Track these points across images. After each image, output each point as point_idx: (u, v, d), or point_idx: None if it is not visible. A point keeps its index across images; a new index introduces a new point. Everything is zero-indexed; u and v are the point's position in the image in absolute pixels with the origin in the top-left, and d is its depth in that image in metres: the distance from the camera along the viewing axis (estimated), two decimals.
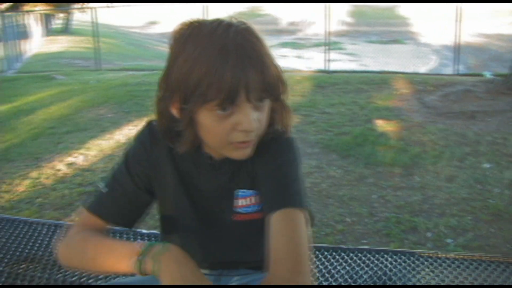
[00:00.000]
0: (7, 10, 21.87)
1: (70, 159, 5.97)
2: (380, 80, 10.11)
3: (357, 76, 10.98)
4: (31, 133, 7.46)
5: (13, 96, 10.74)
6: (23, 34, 19.28)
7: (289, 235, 1.15)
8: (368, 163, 5.43)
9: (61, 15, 33.75)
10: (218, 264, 1.42)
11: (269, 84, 1.15)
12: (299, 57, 22.09)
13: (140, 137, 1.36)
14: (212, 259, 1.43)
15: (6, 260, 2.04)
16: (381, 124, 6.98)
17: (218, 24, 1.16)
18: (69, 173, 5.49)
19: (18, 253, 2.10)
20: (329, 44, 13.14)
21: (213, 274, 1.43)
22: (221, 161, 1.32)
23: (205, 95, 1.11)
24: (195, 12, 15.49)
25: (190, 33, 1.16)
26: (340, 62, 16.36)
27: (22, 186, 5.15)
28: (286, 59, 20.97)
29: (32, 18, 21.91)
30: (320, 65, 12.96)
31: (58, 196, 4.76)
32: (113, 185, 1.35)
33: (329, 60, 12.68)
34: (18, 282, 1.83)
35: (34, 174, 5.52)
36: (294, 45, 27.99)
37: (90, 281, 1.66)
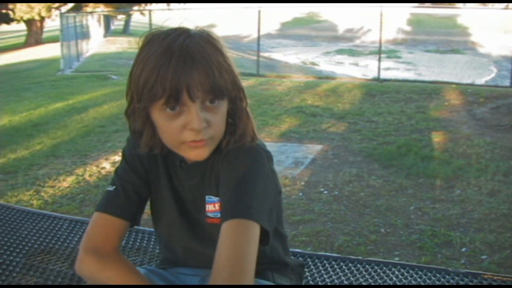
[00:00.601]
0: (69, 11, 22.51)
1: (115, 157, 6.11)
2: (431, 90, 9.95)
3: (409, 85, 10.83)
4: (81, 130, 7.67)
5: (69, 94, 11.04)
6: (83, 34, 19.79)
7: (232, 245, 1.16)
8: (410, 173, 5.36)
9: (122, 16, 34.54)
10: (202, 264, 1.44)
11: (215, 85, 1.19)
12: (355, 64, 21.95)
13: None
14: (196, 258, 1.46)
15: (24, 252, 2.12)
16: (427, 135, 6.87)
17: (173, 31, 1.23)
18: (112, 171, 5.61)
19: (36, 246, 2.18)
20: (380, 52, 13.02)
21: (199, 274, 1.46)
22: (190, 165, 1.37)
23: (152, 93, 1.18)
24: (251, 16, 15.55)
25: (148, 40, 1.23)
26: (396, 71, 16.17)
27: (67, 182, 5.31)
28: (342, 66, 20.87)
29: (92, 19, 22.49)
30: (375, 73, 12.84)
31: (99, 193, 4.88)
32: (118, 183, 1.39)
33: (380, 69, 12.54)
34: (31, 273, 1.91)
35: (79, 171, 5.68)
36: (351, 52, 27.80)
37: None
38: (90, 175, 5.49)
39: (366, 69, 17.42)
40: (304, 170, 5.61)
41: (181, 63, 1.16)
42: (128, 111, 1.29)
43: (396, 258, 3.61)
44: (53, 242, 2.23)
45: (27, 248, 2.16)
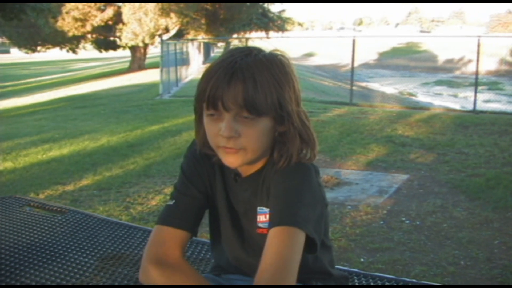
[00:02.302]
0: (171, 38, 23.40)
1: None
2: None
3: (505, 117, 10.50)
4: (173, 152, 7.95)
5: (165, 118, 11.48)
6: (183, 60, 20.53)
7: (276, 250, 1.24)
8: (497, 207, 5.19)
9: (221, 44, 35.52)
10: (251, 271, 1.52)
11: (248, 100, 1.29)
12: (454, 96, 21.48)
13: (192, 151, 1.52)
14: (245, 267, 1.53)
15: (98, 255, 2.29)
16: None
17: (241, 49, 1.38)
18: None
19: (109, 251, 2.34)
20: (477, 83, 12.74)
21: (248, 280, 1.54)
22: (244, 179, 1.46)
23: (200, 96, 1.33)
24: (347, 45, 15.57)
25: (222, 53, 1.41)
26: (497, 103, 15.69)
27: (155, 201, 5.54)
28: (440, 98, 20.48)
29: (193, 46, 23.28)
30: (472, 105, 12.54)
31: None
32: (178, 197, 1.48)
33: (477, 100, 12.25)
34: (101, 274, 2.06)
35: (167, 190, 5.90)
36: (450, 84, 27.23)
37: None
38: None
39: (465, 100, 17.02)
40: (387, 199, 5.57)
41: (222, 76, 1.30)
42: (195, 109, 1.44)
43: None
44: (125, 248, 2.38)
45: (101, 252, 2.33)
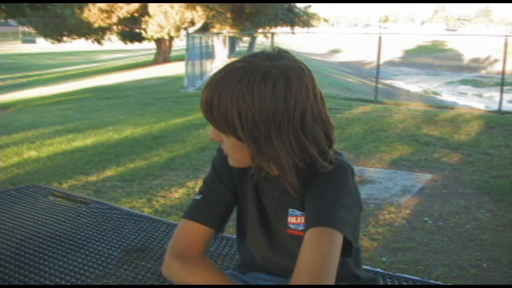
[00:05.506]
0: (197, 31, 23.45)
1: None
2: None
3: None
4: (197, 146, 7.97)
5: (189, 111, 11.50)
6: (208, 54, 20.58)
7: (314, 250, 1.21)
8: None
9: (247, 38, 35.53)
10: (278, 271, 1.51)
11: (205, 113, 1.32)
12: (479, 95, 21.28)
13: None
14: (272, 265, 1.52)
15: (122, 248, 2.30)
16: None
17: (255, 56, 1.35)
18: None
19: (133, 243, 2.35)
20: (503, 83, 12.57)
21: (274, 280, 1.53)
22: (275, 177, 1.42)
23: None
24: (373, 42, 15.49)
25: None
26: None
27: (178, 194, 5.55)
28: (465, 97, 20.29)
29: (218, 40, 23.30)
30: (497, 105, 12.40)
31: None
32: (206, 192, 1.49)
33: (503, 100, 12.09)
34: (124, 267, 2.07)
35: (190, 183, 5.92)
36: (475, 83, 26.98)
37: None
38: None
39: (490, 100, 16.87)
40: (411, 198, 5.53)
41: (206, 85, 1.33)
42: None
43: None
44: (149, 242, 2.39)
45: (125, 245, 2.34)
